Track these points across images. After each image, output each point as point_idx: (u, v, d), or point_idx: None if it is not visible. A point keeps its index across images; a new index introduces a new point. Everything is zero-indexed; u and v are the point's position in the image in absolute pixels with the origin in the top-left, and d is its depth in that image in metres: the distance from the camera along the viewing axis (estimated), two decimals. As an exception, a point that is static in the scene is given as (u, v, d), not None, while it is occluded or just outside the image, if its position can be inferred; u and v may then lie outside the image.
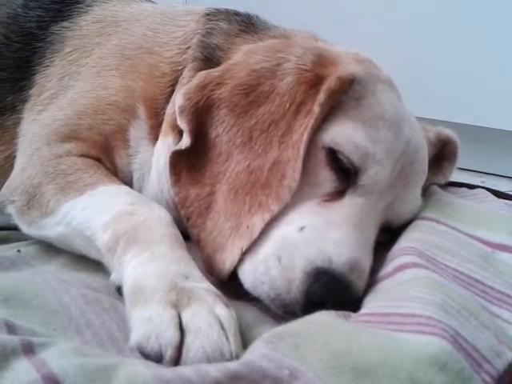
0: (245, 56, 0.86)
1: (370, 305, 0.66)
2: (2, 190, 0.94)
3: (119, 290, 0.70)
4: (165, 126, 0.91)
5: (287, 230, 0.73)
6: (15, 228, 0.92)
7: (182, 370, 0.53)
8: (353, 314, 0.65)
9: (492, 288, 0.70)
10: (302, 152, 0.75)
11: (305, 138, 0.76)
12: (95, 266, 0.79)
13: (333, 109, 0.79)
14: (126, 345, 0.62)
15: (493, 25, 1.85)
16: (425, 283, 0.64)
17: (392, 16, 2.00)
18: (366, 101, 0.80)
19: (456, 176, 1.06)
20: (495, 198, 0.99)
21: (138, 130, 0.93)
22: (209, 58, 0.94)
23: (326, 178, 0.78)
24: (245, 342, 0.61)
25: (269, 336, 0.57)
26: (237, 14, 1.01)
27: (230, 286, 0.73)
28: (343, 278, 0.68)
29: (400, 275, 0.69)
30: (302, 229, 0.73)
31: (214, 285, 0.68)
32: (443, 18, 1.92)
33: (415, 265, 0.69)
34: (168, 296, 0.62)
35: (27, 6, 1.08)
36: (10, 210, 0.91)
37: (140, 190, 0.92)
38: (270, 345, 0.55)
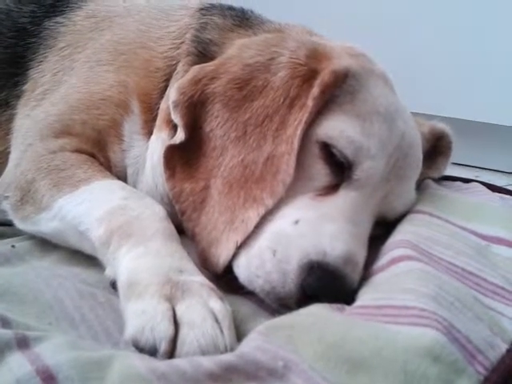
0: (239, 50, 0.86)
1: (364, 297, 0.66)
2: (-4, 186, 0.94)
3: (114, 285, 0.70)
4: (159, 121, 0.91)
5: (282, 223, 0.73)
6: (9, 224, 0.92)
7: (177, 362, 0.53)
8: (347, 307, 0.65)
9: (486, 280, 0.70)
10: (295, 146, 0.75)
11: (299, 132, 0.76)
12: (90, 261, 0.79)
13: (327, 103, 0.79)
14: (120, 338, 0.62)
15: (489, 20, 1.85)
16: (418, 275, 0.64)
17: (387, 10, 2.00)
18: (360, 95, 0.80)
19: (450, 171, 1.07)
20: (489, 191, 0.99)
21: (132, 125, 0.92)
22: (203, 53, 0.94)
23: (320, 172, 0.78)
24: (239, 335, 0.62)
25: (263, 328, 0.57)
26: (231, 8, 1.01)
27: (225, 280, 0.73)
28: (337, 271, 0.69)
29: (394, 268, 0.69)
30: (296, 222, 0.73)
31: (208, 279, 0.68)
32: (439, 13, 1.92)
33: (409, 257, 0.69)
34: (162, 289, 0.62)
35: (20, 1, 1.08)
36: (5, 205, 0.91)
37: (134, 185, 0.92)
38: (265, 337, 0.55)
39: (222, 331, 0.59)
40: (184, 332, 0.58)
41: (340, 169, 0.78)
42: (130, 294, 0.63)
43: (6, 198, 0.90)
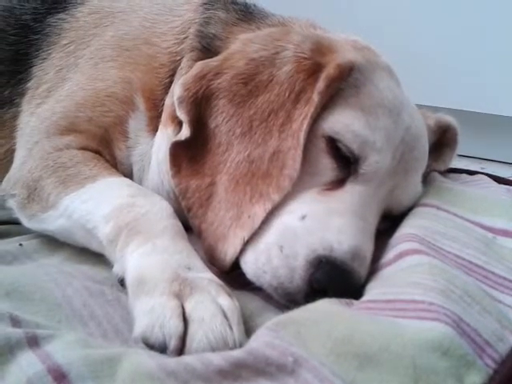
0: (243, 45, 0.85)
1: (372, 292, 0.66)
2: (2, 184, 0.94)
3: (122, 282, 0.70)
4: (164, 117, 0.90)
5: (288, 218, 0.73)
6: (16, 222, 0.92)
7: (187, 359, 0.53)
8: (355, 302, 0.65)
9: (493, 273, 0.70)
10: (301, 141, 0.75)
11: (304, 126, 0.75)
12: (98, 258, 0.79)
13: (332, 97, 0.78)
14: (129, 336, 0.62)
15: (493, 10, 1.84)
16: (426, 269, 0.64)
17: (392, 2, 1.98)
18: (366, 88, 0.80)
19: (456, 163, 1.06)
20: (496, 183, 0.99)
21: (137, 122, 0.92)
22: (207, 48, 0.93)
23: (327, 167, 0.78)
24: (248, 331, 0.62)
25: (272, 324, 0.57)
26: (234, 2, 1.00)
27: (233, 276, 0.73)
28: (345, 265, 0.69)
29: (401, 262, 0.69)
30: (303, 217, 0.73)
31: (216, 275, 0.68)
32: (443, 5, 1.91)
33: (416, 251, 0.69)
34: (171, 287, 0.62)
35: None
36: (11, 204, 0.91)
37: (140, 182, 0.92)
38: (274, 333, 0.55)
39: (230, 327, 0.59)
40: (193, 329, 0.58)
41: (346, 163, 0.78)
42: (138, 292, 0.64)
43: (13, 195, 0.90)
